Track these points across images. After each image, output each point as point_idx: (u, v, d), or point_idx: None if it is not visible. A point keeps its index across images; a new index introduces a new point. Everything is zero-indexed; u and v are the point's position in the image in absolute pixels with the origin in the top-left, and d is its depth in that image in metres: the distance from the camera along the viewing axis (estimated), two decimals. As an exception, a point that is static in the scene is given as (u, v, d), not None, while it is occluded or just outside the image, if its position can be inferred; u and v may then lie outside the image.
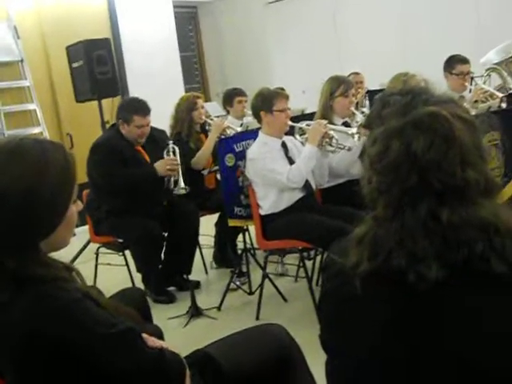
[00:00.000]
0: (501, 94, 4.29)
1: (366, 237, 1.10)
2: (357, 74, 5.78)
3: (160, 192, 4.12)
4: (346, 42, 8.33)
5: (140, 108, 4.04)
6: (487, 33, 6.67)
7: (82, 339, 1.27)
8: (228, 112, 5.42)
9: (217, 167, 4.26)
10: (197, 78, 9.67)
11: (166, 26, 7.68)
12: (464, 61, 4.59)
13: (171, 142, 4.20)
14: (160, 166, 3.99)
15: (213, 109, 5.77)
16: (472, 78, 4.64)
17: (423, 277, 1.02)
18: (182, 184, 4.02)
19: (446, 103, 1.10)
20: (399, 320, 1.07)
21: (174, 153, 4.12)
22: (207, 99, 8.80)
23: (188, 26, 9.68)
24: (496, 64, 5.28)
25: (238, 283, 4.10)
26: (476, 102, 4.16)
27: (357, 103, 4.79)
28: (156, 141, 4.18)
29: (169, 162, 4.01)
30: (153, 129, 4.19)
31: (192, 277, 4.26)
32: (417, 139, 1.05)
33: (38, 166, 1.31)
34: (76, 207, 1.42)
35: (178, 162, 4.05)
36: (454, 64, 4.57)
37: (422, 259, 1.03)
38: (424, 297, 1.04)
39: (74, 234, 1.43)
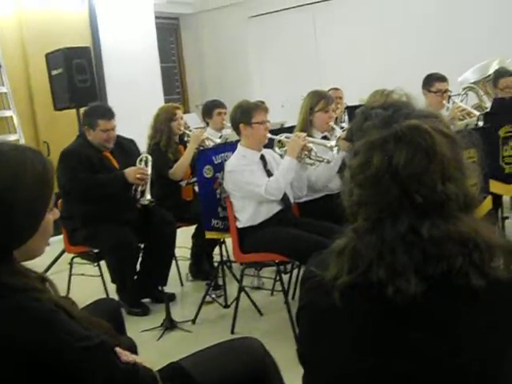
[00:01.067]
0: (477, 113, 4.35)
1: (345, 249, 1.09)
2: (336, 89, 5.82)
3: (130, 197, 4.08)
4: (326, 58, 8.41)
5: (104, 112, 4.06)
6: (466, 52, 6.79)
7: (55, 352, 1.23)
8: (207, 124, 5.40)
9: (195, 179, 4.23)
10: (177, 89, 9.67)
11: (147, 37, 7.66)
12: (442, 79, 4.65)
13: (145, 151, 4.19)
14: (130, 173, 3.97)
15: (192, 120, 5.77)
16: (450, 96, 4.70)
17: (402, 291, 1.02)
18: (148, 196, 4.01)
19: (427, 117, 1.11)
20: (377, 333, 1.06)
21: (146, 163, 4.12)
22: (186, 111, 8.79)
23: (169, 38, 9.69)
24: (473, 83, 5.37)
25: (213, 296, 4.06)
26: (453, 119, 4.21)
27: (336, 118, 4.81)
28: (124, 149, 4.17)
29: (139, 171, 4.00)
30: (121, 138, 4.20)
31: (167, 289, 4.21)
32: (398, 152, 1.05)
33: (15, 171, 1.28)
34: (52, 215, 1.39)
35: (149, 172, 4.05)
36: (433, 82, 4.63)
37: (402, 273, 1.03)
38: (402, 310, 1.04)
39: (48, 244, 1.40)
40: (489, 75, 5.33)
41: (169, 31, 9.67)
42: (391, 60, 7.38)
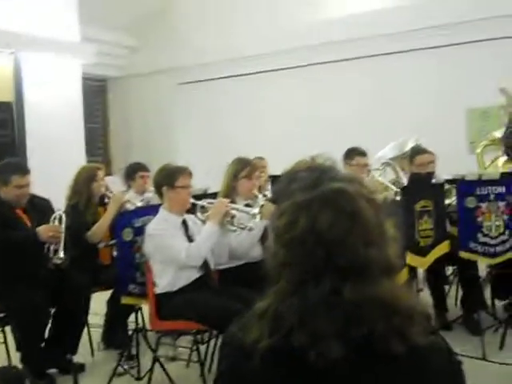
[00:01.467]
0: (395, 188, 4.52)
1: (267, 312, 1.07)
2: (261, 158, 5.91)
3: (42, 254, 3.92)
4: (252, 127, 8.59)
5: (18, 168, 3.98)
6: (385, 128, 7.13)
7: None
8: (129, 186, 5.32)
9: (114, 241, 4.11)
10: (100, 150, 9.55)
11: (73, 96, 7.58)
12: (362, 153, 4.83)
13: (61, 210, 4.10)
14: (42, 231, 3.83)
15: (114, 183, 5.65)
16: (369, 170, 4.87)
17: (323, 355, 1.00)
18: (61, 254, 3.87)
19: (351, 182, 1.12)
20: None
21: (59, 221, 3.99)
22: (109, 173, 8.64)
23: (96, 99, 9.63)
24: (391, 159, 5.59)
25: (125, 367, 3.86)
26: (372, 192, 4.33)
27: (259, 187, 4.86)
28: (38, 208, 4.04)
29: (52, 229, 3.87)
30: (36, 197, 4.09)
31: (77, 358, 3.99)
32: (323, 215, 1.06)
33: None
34: None
35: (62, 230, 3.93)
36: (353, 155, 4.80)
37: (323, 338, 1.01)
38: (323, 375, 1.02)
39: None
40: (405, 152, 5.57)
41: (96, 92, 9.62)
42: (314, 131, 7.64)
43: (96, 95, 9.63)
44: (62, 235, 3.90)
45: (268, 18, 8.28)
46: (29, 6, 6.78)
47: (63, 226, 3.96)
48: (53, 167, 6.11)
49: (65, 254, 3.88)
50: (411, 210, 4.04)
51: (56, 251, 3.88)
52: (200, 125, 9.13)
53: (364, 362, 1.03)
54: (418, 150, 4.97)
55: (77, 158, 7.02)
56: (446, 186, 4.46)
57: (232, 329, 1.15)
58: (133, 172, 5.28)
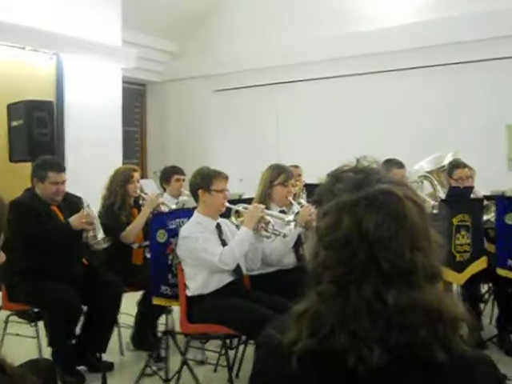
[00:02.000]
0: (432, 201, 4.45)
1: (306, 313, 1.05)
2: (296, 167, 5.88)
3: (75, 249, 3.98)
4: (286, 135, 8.59)
5: (54, 165, 4.04)
6: (422, 141, 7.04)
7: None
8: (164, 189, 5.35)
9: (147, 242, 4.13)
10: (136, 153, 9.65)
11: (112, 99, 7.68)
12: (400, 165, 4.77)
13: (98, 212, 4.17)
14: (75, 220, 3.87)
15: (149, 186, 5.70)
16: (406, 182, 4.81)
17: (364, 359, 0.98)
18: (99, 236, 3.92)
19: (398, 184, 1.10)
20: None
21: (88, 206, 4.02)
22: (144, 176, 8.73)
23: (135, 102, 9.75)
24: (428, 172, 5.52)
25: (154, 368, 3.86)
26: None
27: (294, 195, 4.84)
28: (72, 206, 4.07)
29: (84, 216, 3.90)
30: (70, 194, 4.15)
31: (106, 357, 4.01)
32: (369, 215, 1.03)
33: None
34: None
35: (95, 215, 3.98)
36: (391, 167, 4.74)
37: (364, 340, 0.99)
38: (362, 380, 0.99)
39: None
40: (443, 166, 5.48)
41: (135, 96, 9.74)
42: (350, 141, 7.57)
43: (135, 99, 9.76)
44: (96, 220, 3.94)
45: (306, 28, 8.27)
46: (73, 9, 6.91)
47: (94, 211, 4.01)
48: (89, 168, 6.19)
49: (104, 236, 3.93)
50: (449, 223, 3.97)
51: (94, 237, 3.92)
52: (235, 131, 9.16)
53: (406, 369, 1.00)
54: (457, 164, 4.89)
55: (113, 160, 7.11)
56: (485, 202, 4.38)
57: (269, 330, 1.13)
58: (168, 175, 5.31)
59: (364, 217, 1.04)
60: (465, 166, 4.83)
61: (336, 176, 1.14)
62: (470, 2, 7.09)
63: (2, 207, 1.29)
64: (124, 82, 8.08)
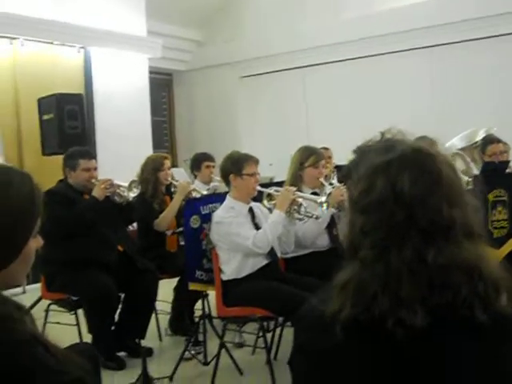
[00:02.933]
0: (466, 178, 4.37)
1: (349, 282, 1.04)
2: (326, 149, 5.85)
3: (111, 236, 4.06)
4: (315, 118, 8.54)
5: (85, 152, 4.17)
6: (452, 118, 6.92)
7: None
8: (195, 176, 5.38)
9: (181, 229, 4.16)
10: (166, 143, 9.71)
11: (140, 90, 7.73)
12: (432, 142, 4.69)
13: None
14: (97, 191, 3.96)
15: (179, 175, 5.74)
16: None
17: (404, 322, 0.97)
18: (124, 185, 4.10)
19: (430, 145, 1.10)
20: (381, 373, 1.00)
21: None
22: (174, 165, 8.77)
23: (162, 92, 9.80)
24: (460, 149, 5.42)
25: (192, 352, 3.90)
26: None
27: (325, 177, 4.81)
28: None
29: (102, 182, 4.01)
30: None
31: (145, 343, 4.07)
32: (402, 173, 1.03)
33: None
34: (36, 243, 1.32)
35: (109, 178, 4.08)
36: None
37: (407, 303, 0.98)
38: (406, 347, 0.98)
39: (24, 292, 1.32)
40: (475, 142, 5.38)
41: (162, 86, 9.79)
42: (379, 122, 7.42)
43: (162, 89, 9.80)
44: (114, 180, 4.07)
45: (332, 9, 8.18)
46: (97, 2, 6.96)
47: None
48: (120, 159, 6.25)
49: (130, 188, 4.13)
50: (484, 199, 3.89)
51: (122, 193, 4.10)
52: (264, 117, 9.14)
53: (447, 331, 0.99)
54: (490, 140, 4.80)
55: (143, 150, 7.15)
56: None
57: (311, 302, 1.13)
58: (199, 162, 5.33)
59: (398, 176, 1.03)
60: (499, 141, 4.73)
61: (362, 149, 1.13)
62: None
63: (39, 193, 1.31)
64: (150, 72, 8.11)
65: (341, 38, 8.03)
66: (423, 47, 7.64)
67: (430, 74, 7.62)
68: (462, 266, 1.00)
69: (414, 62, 7.70)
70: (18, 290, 5.05)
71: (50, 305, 4.05)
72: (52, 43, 6.58)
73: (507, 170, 4.27)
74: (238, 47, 9.03)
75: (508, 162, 4.39)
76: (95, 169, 4.10)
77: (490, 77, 7.21)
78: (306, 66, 8.62)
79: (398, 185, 1.02)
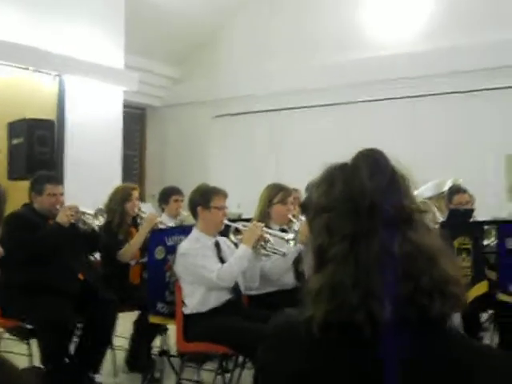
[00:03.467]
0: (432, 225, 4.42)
1: (324, 285, 1.02)
2: (295, 190, 5.86)
3: (72, 264, 3.97)
4: (286, 161, 8.59)
5: (51, 177, 4.16)
6: (421, 167, 7.03)
7: None
8: (162, 210, 5.33)
9: (145, 259, 4.09)
10: (134, 177, 9.62)
11: (113, 122, 7.68)
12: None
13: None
14: (61, 217, 3.89)
15: (147, 210, 5.66)
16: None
17: (373, 315, 0.96)
18: (90, 212, 4.06)
19: None
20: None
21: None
22: (142, 200, 8.68)
23: (135, 126, 9.78)
24: (427, 198, 5.49)
25: (149, 389, 3.79)
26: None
27: (293, 216, 4.81)
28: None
29: (67, 209, 3.94)
30: None
31: (100, 379, 3.93)
32: (359, 169, 1.06)
33: None
34: None
35: (75, 204, 4.02)
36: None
37: (377, 296, 0.97)
38: (373, 341, 0.97)
39: None
40: (442, 192, 5.47)
41: (135, 120, 9.77)
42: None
43: (135, 123, 9.78)
44: (78, 207, 4.01)
45: (305, 55, 8.36)
46: (76, 32, 6.97)
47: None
48: (87, 188, 6.15)
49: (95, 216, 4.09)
50: (449, 246, 3.93)
51: (84, 222, 4.04)
52: (235, 157, 9.17)
53: (410, 322, 0.98)
54: (457, 189, 4.89)
55: (112, 182, 7.08)
56: (485, 227, 4.35)
57: (276, 321, 1.11)
58: (167, 196, 5.30)
59: (355, 171, 1.06)
60: (465, 191, 4.82)
61: (311, 183, 1.16)
62: (480, 30, 7.17)
63: (5, 199, 1.26)
64: (125, 105, 8.10)
65: (311, 83, 8.17)
66: (393, 98, 7.81)
67: (413, 122, 7.77)
68: (425, 253, 1.01)
69: (395, 111, 7.86)
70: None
71: (1, 333, 3.89)
72: (28, 69, 6.54)
73: (471, 219, 4.33)
74: (211, 86, 9.11)
75: (472, 210, 4.46)
76: (61, 194, 4.05)
77: (466, 128, 7.40)
78: (279, 110, 8.73)
79: (356, 179, 1.04)
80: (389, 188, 1.03)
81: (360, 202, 1.02)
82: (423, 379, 0.98)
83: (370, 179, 1.03)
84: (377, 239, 1.01)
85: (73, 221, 3.96)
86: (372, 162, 1.06)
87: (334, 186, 1.06)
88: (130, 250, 4.39)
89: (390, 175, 1.05)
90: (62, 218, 3.88)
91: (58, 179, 4.19)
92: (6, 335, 3.92)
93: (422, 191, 5.83)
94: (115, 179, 7.43)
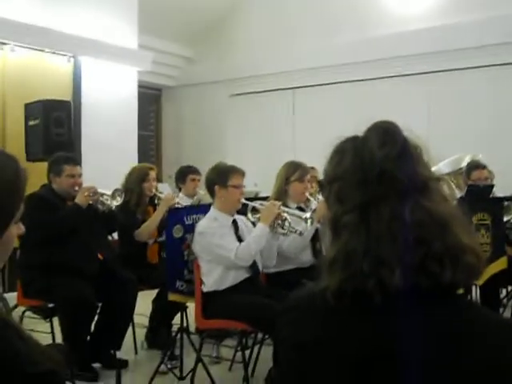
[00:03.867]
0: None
1: (338, 254, 1.03)
2: (312, 168, 5.84)
3: (91, 243, 4.01)
4: (303, 139, 8.56)
5: (70, 158, 4.13)
6: (439, 145, 6.95)
7: None
8: (180, 189, 5.34)
9: (163, 238, 4.11)
10: (151, 158, 9.65)
11: (128, 102, 7.69)
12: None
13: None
14: (80, 198, 3.93)
15: (164, 190, 5.70)
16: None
17: (384, 282, 0.97)
18: (107, 193, 4.07)
19: None
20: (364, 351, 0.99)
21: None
22: (159, 180, 8.72)
23: (150, 107, 9.78)
24: (445, 174, 5.45)
25: (168, 366, 3.83)
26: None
27: (310, 195, 4.81)
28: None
29: (85, 189, 3.97)
30: None
31: (120, 355, 3.99)
32: (370, 138, 1.06)
33: None
34: (17, 229, 1.27)
35: (93, 185, 4.05)
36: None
37: (387, 263, 0.98)
38: (383, 307, 0.98)
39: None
40: (460, 168, 5.42)
41: (150, 101, 9.77)
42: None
43: (150, 103, 9.79)
44: (96, 187, 4.03)
45: (323, 32, 8.26)
46: (90, 13, 6.96)
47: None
48: (104, 169, 6.18)
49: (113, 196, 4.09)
50: (468, 222, 3.90)
51: (106, 201, 4.06)
52: (252, 136, 9.14)
53: (422, 290, 0.98)
54: (475, 165, 4.83)
55: (128, 163, 7.10)
56: (505, 203, 4.31)
57: (295, 295, 1.12)
58: (184, 175, 5.31)
59: (366, 140, 1.06)
60: (484, 167, 4.77)
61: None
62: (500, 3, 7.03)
63: (24, 177, 1.26)
64: (140, 86, 8.09)
65: (333, 60, 8.08)
66: (417, 73, 7.71)
67: (427, 99, 7.67)
68: (437, 220, 1.00)
69: (407, 88, 7.76)
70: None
71: (24, 311, 3.96)
72: (43, 50, 6.55)
73: (491, 195, 4.29)
74: (227, 65, 9.06)
75: (492, 186, 4.42)
76: (80, 175, 4.06)
77: (485, 104, 7.29)
78: (296, 88, 8.67)
79: (365, 149, 1.05)
80: (400, 156, 1.03)
81: (369, 170, 1.03)
82: (434, 347, 0.97)
83: (380, 148, 1.03)
84: (388, 207, 1.01)
85: (91, 202, 3.99)
86: (382, 132, 1.06)
87: (344, 156, 1.07)
88: (146, 229, 4.42)
89: (401, 144, 1.05)
90: (81, 199, 3.91)
91: (77, 160, 4.17)
92: (29, 313, 3.97)
93: (439, 167, 5.78)
94: (131, 159, 7.46)
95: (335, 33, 8.17)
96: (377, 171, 1.02)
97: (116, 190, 4.16)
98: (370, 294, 0.97)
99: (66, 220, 3.85)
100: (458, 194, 4.93)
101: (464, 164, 5.41)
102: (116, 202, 4.12)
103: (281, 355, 1.12)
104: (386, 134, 1.06)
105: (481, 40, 7.08)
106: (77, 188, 3.99)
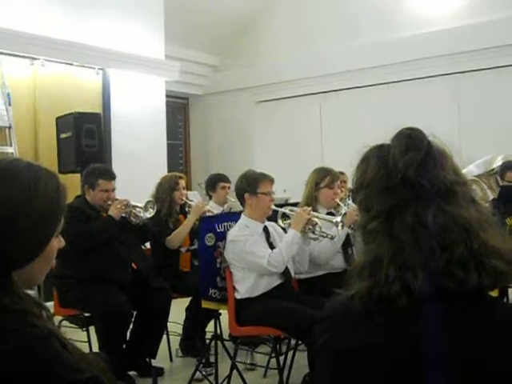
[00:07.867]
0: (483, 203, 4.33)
1: (366, 262, 1.06)
2: (342, 173, 5.82)
3: (124, 254, 4.05)
4: (330, 144, 8.54)
5: (105, 172, 4.14)
6: (470, 146, 6.88)
7: (43, 381, 1.12)
8: (210, 197, 5.37)
9: (195, 246, 4.15)
10: (180, 167, 9.75)
11: (157, 113, 7.79)
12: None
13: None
14: (113, 210, 3.96)
15: (194, 198, 5.74)
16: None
17: (408, 287, 0.98)
18: (139, 205, 4.10)
19: None
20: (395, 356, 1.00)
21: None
22: (188, 188, 8.79)
23: (178, 116, 9.88)
24: (476, 176, 5.39)
25: (204, 373, 3.85)
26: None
27: (340, 200, 4.80)
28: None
29: (118, 203, 3.99)
30: None
31: (156, 363, 4.03)
32: (394, 145, 1.08)
33: (26, 189, 1.22)
34: (58, 243, 1.31)
35: (125, 199, 4.08)
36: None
37: (411, 268, 0.99)
38: (409, 311, 0.99)
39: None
40: (492, 169, 5.35)
41: (178, 110, 9.87)
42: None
43: (178, 112, 9.88)
44: (128, 200, 4.07)
45: (347, 36, 8.25)
46: (117, 25, 7.08)
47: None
48: (134, 180, 6.26)
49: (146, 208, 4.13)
50: (502, 224, 3.85)
51: (136, 215, 4.10)
52: (279, 142, 9.16)
53: (447, 294, 0.99)
54: (510, 166, 4.76)
55: (158, 172, 7.17)
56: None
57: (331, 303, 1.13)
58: (214, 182, 5.33)
59: (390, 148, 1.08)
60: (517, 167, 4.70)
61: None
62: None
63: (64, 193, 1.31)
64: (167, 95, 8.18)
65: (360, 64, 8.06)
66: (445, 74, 7.64)
67: (457, 100, 7.60)
68: (460, 224, 1.01)
69: (436, 89, 7.69)
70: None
71: (61, 321, 4.03)
72: (72, 64, 6.68)
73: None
74: (253, 73, 9.10)
75: (526, 186, 4.35)
76: (113, 190, 4.10)
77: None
78: (323, 92, 8.66)
79: (390, 155, 1.07)
80: (423, 162, 1.04)
81: (392, 177, 1.05)
82: (460, 350, 0.98)
83: (403, 155, 1.05)
84: (411, 213, 1.02)
85: (124, 214, 4.03)
86: (406, 139, 1.08)
87: (369, 164, 1.10)
88: (177, 237, 4.45)
89: (425, 150, 1.06)
90: (114, 212, 3.96)
91: (112, 174, 4.17)
92: (66, 323, 4.04)
93: (470, 169, 5.72)
94: (161, 169, 7.54)
95: (360, 36, 8.15)
96: (399, 178, 1.04)
97: (148, 202, 4.20)
98: (395, 299, 0.99)
99: (101, 231, 3.91)
100: (491, 195, 4.88)
101: (496, 165, 5.35)
102: (149, 214, 4.15)
103: (319, 362, 1.13)
104: (409, 140, 1.07)
105: (508, 39, 6.99)
106: (110, 202, 4.03)
